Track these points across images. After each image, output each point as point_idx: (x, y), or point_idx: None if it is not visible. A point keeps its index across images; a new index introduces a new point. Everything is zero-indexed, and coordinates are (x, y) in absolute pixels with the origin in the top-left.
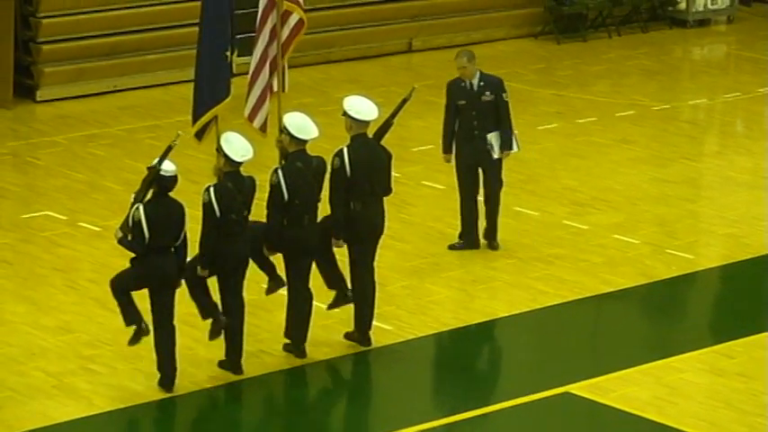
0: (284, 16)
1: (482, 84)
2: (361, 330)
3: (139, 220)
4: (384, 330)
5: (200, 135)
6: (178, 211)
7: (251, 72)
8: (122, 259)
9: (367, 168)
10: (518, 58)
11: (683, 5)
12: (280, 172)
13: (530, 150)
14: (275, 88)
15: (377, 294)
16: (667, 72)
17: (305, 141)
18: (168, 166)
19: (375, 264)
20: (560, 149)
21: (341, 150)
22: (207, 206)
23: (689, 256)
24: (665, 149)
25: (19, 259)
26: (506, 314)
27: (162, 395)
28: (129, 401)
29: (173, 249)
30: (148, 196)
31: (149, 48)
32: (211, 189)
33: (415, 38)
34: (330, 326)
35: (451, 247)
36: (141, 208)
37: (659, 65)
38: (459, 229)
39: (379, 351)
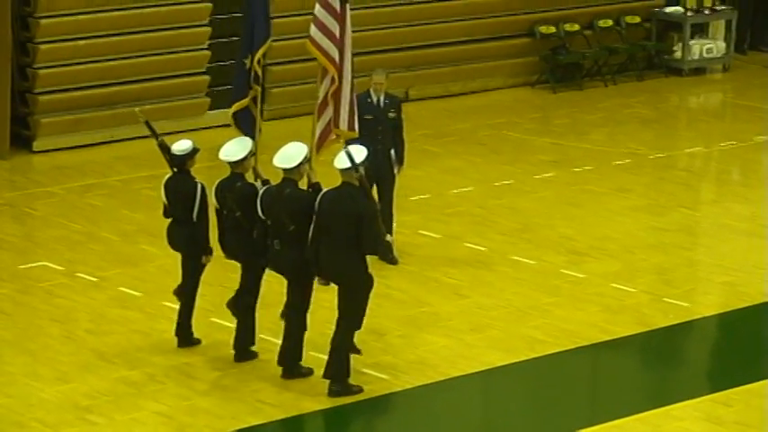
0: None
1: (387, 101)
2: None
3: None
4: (380, 380)
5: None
6: (189, 189)
7: (317, 109)
8: (119, 310)
9: (327, 215)
10: (514, 107)
11: (678, 54)
12: (262, 189)
13: (526, 199)
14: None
15: (374, 344)
16: (663, 120)
17: (282, 170)
18: (180, 146)
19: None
20: (557, 198)
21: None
22: None
23: (686, 305)
24: (661, 198)
25: (17, 310)
26: (504, 363)
27: None
28: None
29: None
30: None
31: (146, 98)
32: None
33: (412, 87)
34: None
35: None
36: (164, 180)
37: (655, 113)
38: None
39: (376, 401)
